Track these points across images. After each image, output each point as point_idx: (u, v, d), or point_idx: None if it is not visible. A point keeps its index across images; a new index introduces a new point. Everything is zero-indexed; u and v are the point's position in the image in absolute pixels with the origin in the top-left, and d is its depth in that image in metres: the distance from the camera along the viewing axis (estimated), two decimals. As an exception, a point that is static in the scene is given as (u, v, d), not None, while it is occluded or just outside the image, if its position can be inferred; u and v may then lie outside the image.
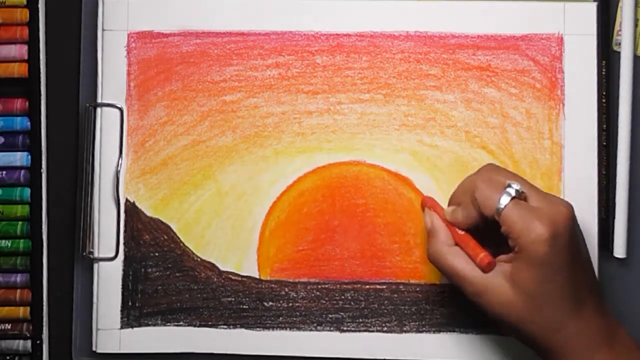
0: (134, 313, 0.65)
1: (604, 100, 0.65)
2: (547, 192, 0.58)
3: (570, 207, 0.56)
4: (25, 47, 0.66)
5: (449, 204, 0.61)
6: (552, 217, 0.55)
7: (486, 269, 0.56)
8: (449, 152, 0.65)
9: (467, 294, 0.57)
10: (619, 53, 0.65)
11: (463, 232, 0.59)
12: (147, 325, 0.65)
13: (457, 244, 0.59)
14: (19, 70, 0.66)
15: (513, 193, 0.56)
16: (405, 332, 0.65)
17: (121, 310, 0.65)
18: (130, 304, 0.65)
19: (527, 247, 0.54)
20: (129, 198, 0.66)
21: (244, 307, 0.65)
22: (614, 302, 0.64)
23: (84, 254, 0.65)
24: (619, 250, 0.64)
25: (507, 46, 0.65)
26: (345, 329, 0.65)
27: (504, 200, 0.55)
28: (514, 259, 0.55)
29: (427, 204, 0.62)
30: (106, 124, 0.66)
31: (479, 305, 0.57)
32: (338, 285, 0.65)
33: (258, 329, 0.65)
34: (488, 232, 0.58)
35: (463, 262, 0.57)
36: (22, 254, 0.66)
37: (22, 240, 0.66)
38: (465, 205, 0.58)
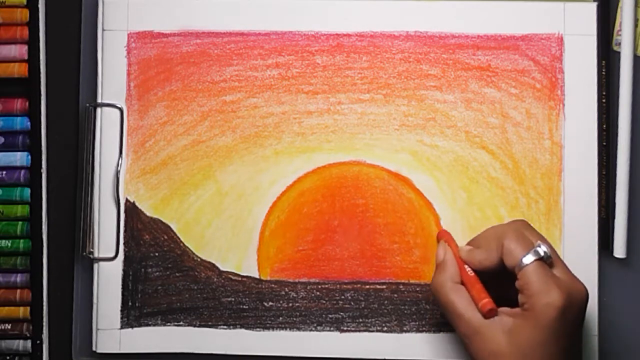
0: (134, 313, 0.65)
1: (604, 100, 0.65)
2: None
3: (586, 290, 0.57)
4: (25, 47, 0.65)
5: (469, 244, 0.61)
6: (570, 290, 0.56)
7: (487, 315, 0.56)
8: (449, 152, 0.65)
9: (459, 333, 0.58)
10: (619, 53, 0.65)
11: (472, 274, 0.59)
12: (147, 325, 0.65)
13: (462, 283, 0.59)
14: (19, 70, 0.66)
15: (541, 254, 0.56)
16: (405, 332, 0.65)
17: (121, 310, 0.65)
18: (130, 304, 0.65)
19: (538, 308, 0.55)
20: (129, 198, 0.66)
21: (244, 307, 0.65)
22: (614, 302, 0.64)
23: (84, 254, 0.65)
24: (619, 250, 0.64)
25: (507, 46, 0.65)
26: (345, 329, 0.65)
27: (530, 257, 0.56)
28: (519, 315, 0.56)
29: (443, 237, 0.62)
30: (106, 124, 0.66)
31: (467, 346, 0.57)
32: (338, 285, 0.65)
33: (258, 329, 0.65)
34: (494, 282, 0.58)
35: (464, 301, 0.58)
36: (22, 254, 0.66)
37: (22, 240, 0.66)
38: (488, 249, 0.59)
